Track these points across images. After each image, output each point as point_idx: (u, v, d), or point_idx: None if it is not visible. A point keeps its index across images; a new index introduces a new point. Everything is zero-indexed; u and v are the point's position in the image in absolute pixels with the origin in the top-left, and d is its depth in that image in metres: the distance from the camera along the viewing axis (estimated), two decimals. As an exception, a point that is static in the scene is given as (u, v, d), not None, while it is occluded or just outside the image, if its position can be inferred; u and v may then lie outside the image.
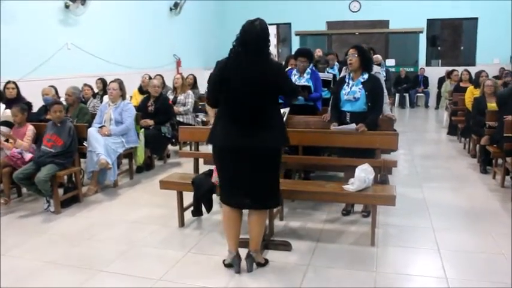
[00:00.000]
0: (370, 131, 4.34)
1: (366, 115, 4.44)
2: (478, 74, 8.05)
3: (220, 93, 3.31)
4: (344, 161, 4.51)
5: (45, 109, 6.42)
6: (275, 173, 3.43)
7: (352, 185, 3.92)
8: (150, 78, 8.17)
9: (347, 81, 4.58)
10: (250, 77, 3.14)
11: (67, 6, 8.58)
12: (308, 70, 5.67)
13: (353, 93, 4.47)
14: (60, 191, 5.21)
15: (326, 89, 6.07)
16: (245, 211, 3.50)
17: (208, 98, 3.52)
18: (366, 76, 4.49)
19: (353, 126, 4.42)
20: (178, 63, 12.84)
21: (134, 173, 6.48)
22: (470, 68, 11.16)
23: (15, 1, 7.32)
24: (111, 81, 6.18)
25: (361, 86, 4.46)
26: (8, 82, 6.32)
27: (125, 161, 6.60)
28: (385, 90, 5.23)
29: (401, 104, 14.40)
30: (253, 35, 3.20)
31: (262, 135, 3.22)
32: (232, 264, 3.48)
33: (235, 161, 3.28)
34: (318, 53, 8.50)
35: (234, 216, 3.45)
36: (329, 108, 5.33)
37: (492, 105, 6.44)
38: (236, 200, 3.38)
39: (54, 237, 4.37)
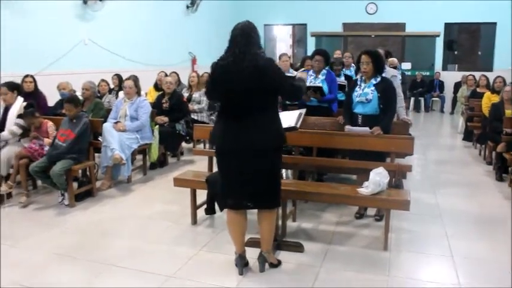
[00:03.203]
0: (386, 135, 4.30)
1: (378, 118, 4.42)
2: (494, 80, 8.00)
3: (215, 93, 3.36)
4: (358, 164, 4.47)
5: (61, 103, 6.46)
6: (274, 172, 3.37)
7: (366, 188, 3.89)
8: (166, 75, 8.20)
9: (359, 83, 4.58)
10: (243, 76, 3.12)
11: (85, 2, 8.66)
12: (324, 71, 5.66)
13: (365, 95, 4.45)
14: (75, 184, 5.25)
15: (341, 92, 6.04)
16: (254, 211, 3.48)
17: (207, 95, 3.66)
18: (378, 78, 4.48)
19: (366, 129, 4.41)
20: (194, 61, 12.87)
21: (148, 169, 6.52)
22: (487, 74, 11.04)
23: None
24: (126, 79, 6.23)
25: (373, 88, 4.44)
26: (26, 76, 6.38)
27: (139, 157, 6.64)
28: (400, 94, 5.21)
29: (416, 108, 14.30)
30: (238, 33, 3.21)
31: (259, 135, 3.20)
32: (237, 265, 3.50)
33: (233, 161, 3.27)
34: (337, 54, 8.41)
35: (237, 218, 3.43)
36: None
37: (510, 111, 6.36)
38: (234, 201, 3.36)
39: (68, 230, 4.42)
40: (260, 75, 3.12)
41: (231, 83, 3.17)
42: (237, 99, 3.19)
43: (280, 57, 6.98)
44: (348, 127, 4.63)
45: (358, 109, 4.56)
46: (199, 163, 6.75)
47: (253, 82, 3.12)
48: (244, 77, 3.12)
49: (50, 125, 5.41)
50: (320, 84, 5.44)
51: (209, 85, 3.42)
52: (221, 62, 3.24)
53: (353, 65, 7.81)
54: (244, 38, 3.19)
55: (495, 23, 13.73)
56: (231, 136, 3.24)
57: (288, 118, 3.71)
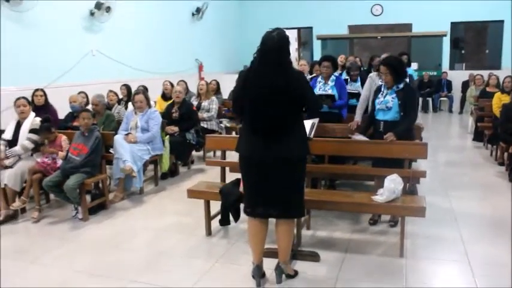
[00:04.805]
0: (399, 141, 4.28)
1: (399, 124, 4.42)
2: (503, 80, 7.96)
3: (244, 103, 3.33)
4: (371, 171, 4.48)
5: (71, 116, 6.51)
6: (299, 182, 3.42)
7: (381, 196, 3.88)
8: (171, 84, 8.22)
9: (382, 90, 4.59)
10: (273, 88, 3.14)
11: (92, 14, 8.70)
12: (333, 77, 5.66)
13: (385, 102, 4.48)
14: (87, 197, 5.26)
15: (355, 99, 6.03)
16: (272, 222, 3.47)
17: (233, 108, 3.56)
18: (400, 85, 4.49)
19: (360, 137, 4.60)
20: (200, 68, 12.90)
21: (159, 179, 6.52)
22: (495, 72, 10.97)
23: (41, 9, 7.43)
24: (135, 93, 6.24)
25: (394, 95, 4.47)
26: (37, 90, 6.41)
27: (150, 167, 6.63)
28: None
29: (424, 109, 14.20)
30: (272, 45, 3.20)
31: (284, 146, 3.22)
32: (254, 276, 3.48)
33: (259, 171, 3.29)
34: (342, 59, 8.43)
35: (259, 227, 3.43)
36: (355, 116, 5.34)
37: (522, 112, 6.33)
38: (260, 210, 3.36)
39: (83, 244, 4.44)
40: (292, 89, 3.17)
41: (261, 94, 3.17)
42: (265, 110, 3.19)
43: (298, 63, 7.04)
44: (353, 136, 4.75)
45: (380, 116, 4.60)
46: (210, 172, 6.74)
47: (284, 95, 3.15)
48: (277, 90, 3.14)
49: (63, 139, 5.43)
50: (332, 93, 5.44)
51: (238, 93, 3.40)
52: (252, 73, 3.26)
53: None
54: (281, 52, 3.21)
55: (502, 21, 13.65)
56: (258, 145, 3.25)
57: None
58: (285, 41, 3.26)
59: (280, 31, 3.27)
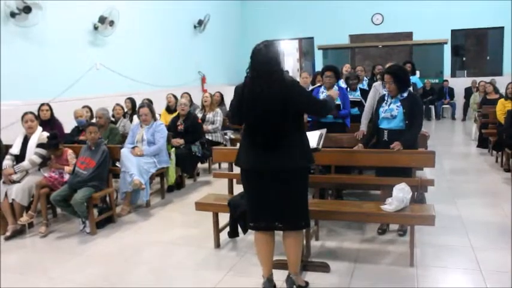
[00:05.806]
0: (406, 150, 4.29)
1: (404, 133, 4.43)
2: (507, 86, 7.97)
3: (241, 116, 3.36)
4: (379, 180, 4.48)
5: (78, 130, 6.54)
6: (302, 193, 3.38)
7: (390, 205, 3.88)
8: (174, 97, 8.26)
9: (386, 99, 4.59)
10: (269, 99, 3.14)
11: (96, 28, 8.77)
12: (335, 87, 5.67)
13: (390, 110, 4.48)
14: (95, 211, 5.25)
15: (356, 108, 6.05)
16: (279, 233, 3.45)
17: (231, 120, 3.74)
18: (405, 94, 4.49)
19: None
20: (203, 80, 12.96)
21: (165, 192, 6.52)
22: (497, 78, 10.99)
23: (46, 23, 7.50)
24: (140, 106, 6.26)
25: (399, 104, 4.47)
26: (42, 104, 6.44)
27: (156, 180, 6.62)
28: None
29: (427, 116, 14.21)
30: (261, 59, 3.21)
31: (285, 157, 3.21)
32: None
33: (260, 183, 3.28)
34: (347, 68, 8.44)
35: (265, 240, 3.41)
36: (361, 126, 5.35)
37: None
38: (264, 223, 3.35)
39: (91, 258, 4.43)
40: (287, 99, 3.15)
41: (258, 108, 3.17)
42: (262, 122, 3.19)
43: (300, 75, 7.09)
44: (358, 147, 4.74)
45: (384, 125, 4.59)
46: (216, 183, 6.75)
47: (280, 106, 3.14)
48: (272, 102, 3.13)
49: (69, 153, 5.45)
50: (338, 102, 5.46)
51: (234, 109, 3.40)
52: (247, 87, 3.26)
53: (365, 78, 7.86)
54: (271, 63, 3.20)
55: (502, 28, 13.72)
56: (258, 158, 3.24)
57: (309, 139, 3.70)
58: (274, 51, 3.26)
59: (268, 43, 3.28)
